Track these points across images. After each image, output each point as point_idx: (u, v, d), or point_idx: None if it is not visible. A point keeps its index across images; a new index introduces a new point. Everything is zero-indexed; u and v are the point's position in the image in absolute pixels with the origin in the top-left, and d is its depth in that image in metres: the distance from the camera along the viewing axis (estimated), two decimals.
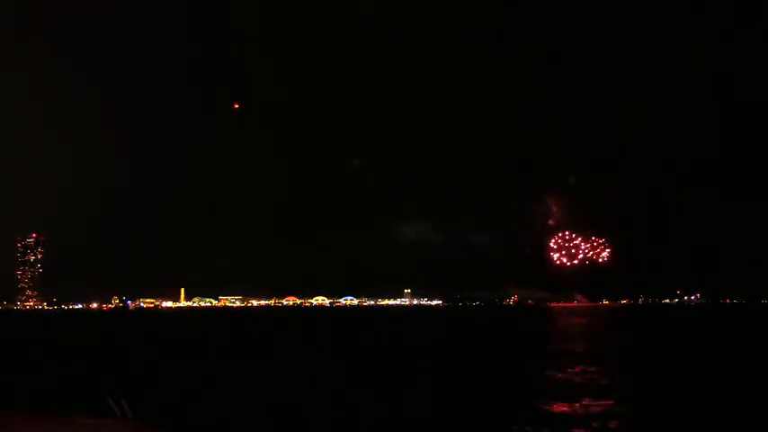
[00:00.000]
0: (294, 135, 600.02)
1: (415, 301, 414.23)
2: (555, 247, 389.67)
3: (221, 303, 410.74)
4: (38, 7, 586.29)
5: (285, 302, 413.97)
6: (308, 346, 64.87)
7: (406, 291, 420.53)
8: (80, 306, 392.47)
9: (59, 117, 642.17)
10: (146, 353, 57.39)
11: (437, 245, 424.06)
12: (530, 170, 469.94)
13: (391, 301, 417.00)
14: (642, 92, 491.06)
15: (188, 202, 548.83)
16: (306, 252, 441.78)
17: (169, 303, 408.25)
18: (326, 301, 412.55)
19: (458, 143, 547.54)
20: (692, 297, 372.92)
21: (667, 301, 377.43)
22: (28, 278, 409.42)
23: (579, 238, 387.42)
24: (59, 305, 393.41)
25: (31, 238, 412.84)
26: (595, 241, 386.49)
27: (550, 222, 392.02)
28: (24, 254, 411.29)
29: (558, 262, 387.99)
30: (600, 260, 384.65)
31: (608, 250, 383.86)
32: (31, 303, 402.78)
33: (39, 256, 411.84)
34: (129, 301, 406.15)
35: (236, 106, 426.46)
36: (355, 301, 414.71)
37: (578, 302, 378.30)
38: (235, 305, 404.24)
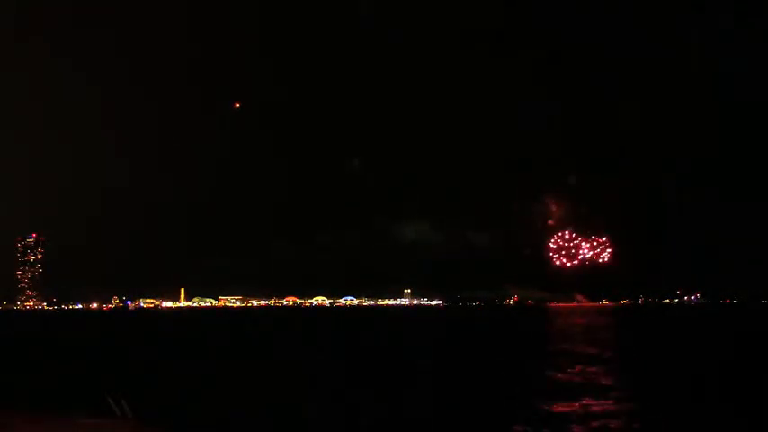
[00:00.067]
0: (294, 135, 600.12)
1: (415, 301, 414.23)
2: (554, 247, 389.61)
3: (221, 303, 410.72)
4: (38, 7, 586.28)
5: (285, 302, 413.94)
6: (308, 346, 64.87)
7: (406, 291, 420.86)
8: (80, 306, 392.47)
9: (59, 117, 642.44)
10: (146, 353, 57.39)
11: (437, 245, 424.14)
12: (530, 170, 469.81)
13: (391, 301, 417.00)
14: (642, 92, 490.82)
15: (188, 202, 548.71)
16: (306, 252, 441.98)
17: (169, 303, 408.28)
18: (326, 301, 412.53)
19: (458, 143, 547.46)
20: (692, 297, 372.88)
21: (667, 301, 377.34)
22: (28, 278, 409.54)
23: (579, 238, 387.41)
24: (59, 305, 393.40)
25: (31, 238, 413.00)
26: (595, 240, 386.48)
27: (550, 222, 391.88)
28: (24, 254, 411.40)
29: (557, 262, 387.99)
30: (600, 260, 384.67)
31: (608, 250, 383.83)
32: (31, 303, 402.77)
33: (39, 256, 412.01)
34: (129, 301, 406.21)
35: (237, 106, 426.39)
36: (355, 301, 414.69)
37: (578, 302, 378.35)
38: (235, 305, 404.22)
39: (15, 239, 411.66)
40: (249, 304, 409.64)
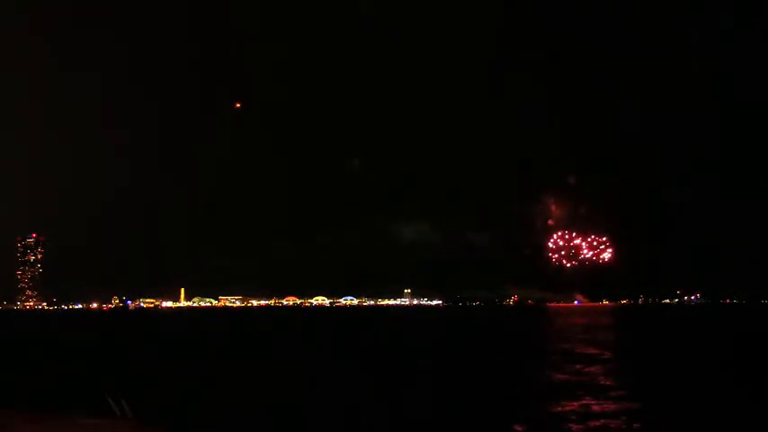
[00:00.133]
0: (294, 135, 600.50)
1: (415, 301, 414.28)
2: (554, 247, 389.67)
3: (221, 303, 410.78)
4: (38, 7, 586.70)
5: (285, 302, 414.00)
6: (308, 346, 64.88)
7: (406, 291, 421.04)
8: (80, 306, 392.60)
9: (59, 117, 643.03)
10: (146, 353, 57.40)
11: (437, 245, 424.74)
12: (530, 170, 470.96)
13: (391, 301, 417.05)
14: (642, 92, 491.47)
15: (188, 202, 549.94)
16: (306, 252, 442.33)
17: (169, 303, 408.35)
18: (326, 301, 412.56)
19: (458, 143, 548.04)
20: (692, 297, 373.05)
21: (667, 301, 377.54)
22: (28, 278, 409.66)
23: (579, 238, 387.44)
24: (59, 305, 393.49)
25: (31, 238, 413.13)
26: (595, 240, 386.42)
27: (550, 222, 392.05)
28: (24, 254, 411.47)
29: (556, 262, 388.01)
30: (600, 261, 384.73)
31: (609, 250, 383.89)
32: (31, 303, 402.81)
33: (39, 256, 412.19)
34: (129, 301, 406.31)
35: (238, 106, 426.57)
36: (355, 301, 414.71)
37: (578, 302, 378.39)
38: (235, 305, 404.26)
39: (15, 239, 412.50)
40: (249, 304, 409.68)
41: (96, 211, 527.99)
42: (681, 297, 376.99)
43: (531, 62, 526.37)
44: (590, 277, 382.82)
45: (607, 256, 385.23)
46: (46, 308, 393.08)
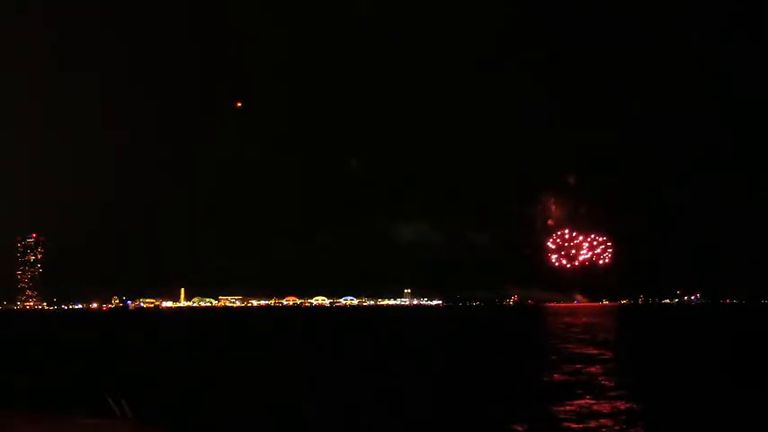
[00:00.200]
0: (294, 135, 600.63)
1: (415, 301, 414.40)
2: (553, 247, 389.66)
3: (221, 303, 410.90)
4: (38, 7, 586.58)
5: (285, 302, 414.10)
6: (308, 346, 64.88)
7: (406, 291, 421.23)
8: (80, 306, 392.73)
9: (59, 117, 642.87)
10: (146, 353, 57.40)
11: (437, 245, 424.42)
12: (530, 170, 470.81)
13: (391, 301, 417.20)
14: (642, 92, 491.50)
15: (188, 202, 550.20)
16: (306, 252, 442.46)
17: (169, 303, 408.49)
18: (326, 301, 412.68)
19: (458, 143, 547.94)
20: (692, 297, 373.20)
21: (667, 301, 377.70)
22: (28, 278, 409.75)
23: (580, 237, 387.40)
24: (59, 305, 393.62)
25: (31, 238, 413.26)
26: (595, 240, 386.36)
27: (550, 222, 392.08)
28: (24, 254, 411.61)
29: (556, 263, 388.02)
30: (600, 261, 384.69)
31: (609, 250, 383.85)
32: (31, 303, 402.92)
33: (39, 256, 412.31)
34: (129, 301, 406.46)
35: (239, 105, 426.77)
36: (355, 301, 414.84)
37: (578, 302, 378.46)
38: (235, 305, 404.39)
39: (15, 239, 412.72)
40: (249, 304, 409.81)
41: (96, 210, 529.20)
42: (681, 297, 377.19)
43: (531, 62, 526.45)
44: (590, 277, 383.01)
45: (607, 256, 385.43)
46: (46, 308, 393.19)
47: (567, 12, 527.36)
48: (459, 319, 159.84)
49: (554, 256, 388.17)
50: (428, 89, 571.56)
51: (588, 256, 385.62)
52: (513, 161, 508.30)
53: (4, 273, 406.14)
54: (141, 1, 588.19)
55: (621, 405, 26.59)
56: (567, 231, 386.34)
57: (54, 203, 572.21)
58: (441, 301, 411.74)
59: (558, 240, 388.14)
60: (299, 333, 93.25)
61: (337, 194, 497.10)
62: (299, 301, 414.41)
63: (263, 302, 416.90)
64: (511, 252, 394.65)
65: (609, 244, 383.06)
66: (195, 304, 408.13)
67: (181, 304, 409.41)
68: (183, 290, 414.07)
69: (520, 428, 22.80)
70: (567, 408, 25.99)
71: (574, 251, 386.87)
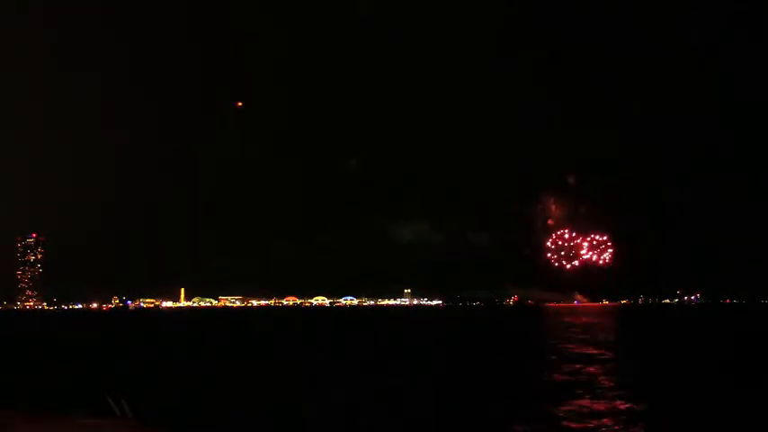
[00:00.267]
0: (294, 135, 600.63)
1: (415, 301, 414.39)
2: (553, 247, 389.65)
3: (221, 303, 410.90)
4: (38, 7, 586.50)
5: (285, 302, 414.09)
6: (308, 346, 64.89)
7: (406, 291, 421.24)
8: (80, 306, 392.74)
9: (59, 117, 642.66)
10: (146, 353, 57.41)
11: (437, 245, 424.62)
12: (530, 170, 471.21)
13: (391, 301, 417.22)
14: (642, 92, 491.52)
15: (188, 202, 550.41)
16: (306, 252, 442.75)
17: (169, 303, 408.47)
18: (326, 301, 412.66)
19: (458, 143, 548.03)
20: (692, 297, 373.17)
21: (667, 301, 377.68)
22: (28, 278, 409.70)
23: (579, 238, 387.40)
24: (59, 305, 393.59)
25: (31, 238, 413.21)
26: (595, 240, 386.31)
27: (550, 222, 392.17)
28: (24, 254, 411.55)
29: (555, 263, 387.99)
30: (601, 261, 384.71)
31: (609, 250, 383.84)
32: (31, 303, 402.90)
33: (39, 256, 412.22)
34: (129, 301, 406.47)
35: (240, 105, 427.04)
36: (355, 301, 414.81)
37: (578, 302, 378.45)
38: (235, 305, 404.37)
39: (15, 239, 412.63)
40: (249, 304, 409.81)
41: (96, 210, 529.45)
42: (681, 297, 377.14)
43: (531, 62, 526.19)
44: (590, 277, 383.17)
45: (607, 256, 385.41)
46: (46, 308, 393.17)
47: (567, 12, 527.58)
48: (459, 319, 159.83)
49: (554, 257, 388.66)
50: (428, 89, 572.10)
51: (588, 256, 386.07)
52: (513, 161, 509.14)
53: (4, 273, 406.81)
54: (141, 1, 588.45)
55: (621, 405, 26.60)
56: (566, 231, 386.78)
57: (54, 203, 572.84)
58: (441, 301, 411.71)
59: (558, 240, 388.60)
60: (299, 333, 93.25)
61: (337, 194, 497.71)
62: (299, 301, 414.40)
63: (263, 302, 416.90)
64: (511, 252, 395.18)
65: (609, 244, 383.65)
66: (195, 304, 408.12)
67: (181, 304, 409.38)
68: (183, 290, 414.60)
69: (520, 428, 22.80)
70: (567, 408, 26.00)
71: (574, 251, 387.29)
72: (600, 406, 26.35)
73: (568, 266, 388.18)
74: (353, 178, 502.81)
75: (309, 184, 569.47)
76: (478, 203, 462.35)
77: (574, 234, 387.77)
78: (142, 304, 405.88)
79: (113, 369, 41.44)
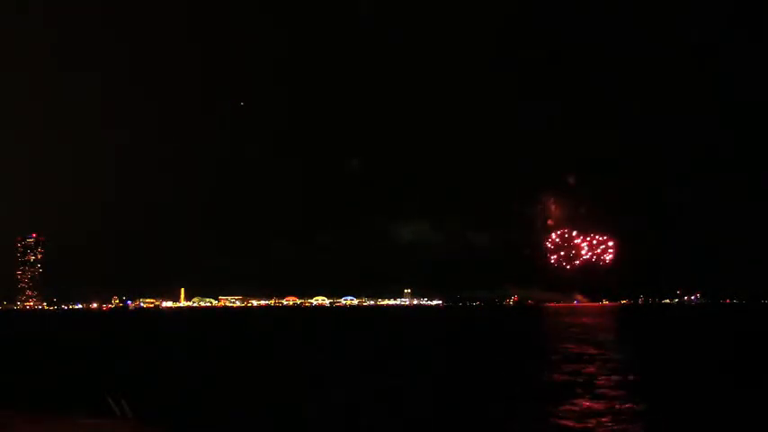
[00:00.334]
0: (294, 135, 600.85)
1: (415, 301, 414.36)
2: (552, 247, 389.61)
3: (221, 303, 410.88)
4: (38, 7, 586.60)
5: (285, 302, 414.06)
6: (308, 346, 64.89)
7: (406, 291, 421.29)
8: (80, 306, 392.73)
9: (59, 117, 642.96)
10: (146, 353, 57.41)
11: (437, 245, 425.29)
12: (530, 170, 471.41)
13: (391, 301, 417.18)
14: (642, 92, 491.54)
15: (188, 202, 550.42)
16: (306, 252, 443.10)
17: (169, 303, 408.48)
18: (326, 301, 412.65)
19: (458, 143, 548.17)
20: (692, 297, 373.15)
21: (667, 301, 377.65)
22: (28, 278, 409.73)
23: (579, 238, 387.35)
24: (59, 305, 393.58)
25: (31, 238, 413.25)
26: (595, 239, 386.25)
27: (550, 222, 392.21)
28: (24, 254, 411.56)
29: (555, 263, 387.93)
30: (600, 261, 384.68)
31: (609, 250, 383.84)
32: (31, 303, 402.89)
33: (39, 256, 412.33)
34: (129, 301, 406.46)
35: (242, 104, 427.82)
36: (355, 301, 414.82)
37: (578, 302, 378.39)
38: (235, 305, 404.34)
39: (15, 239, 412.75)
40: (249, 304, 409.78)
41: (96, 210, 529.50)
42: (681, 297, 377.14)
43: (531, 62, 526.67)
44: (590, 277, 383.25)
45: (607, 256, 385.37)
46: (46, 308, 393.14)
47: (567, 12, 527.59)
48: (459, 319, 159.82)
49: (554, 257, 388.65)
50: (428, 89, 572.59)
51: (588, 256, 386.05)
52: (513, 161, 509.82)
53: (4, 273, 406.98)
54: (141, 1, 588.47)
55: (621, 405, 26.60)
56: (567, 231, 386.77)
57: (54, 203, 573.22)
58: (441, 301, 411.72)
59: (558, 240, 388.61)
60: (299, 333, 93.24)
61: (337, 194, 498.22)
62: (299, 301, 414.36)
63: (263, 302, 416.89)
64: (511, 252, 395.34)
65: (609, 244, 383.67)
66: (195, 304, 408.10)
67: (181, 304, 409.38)
68: (183, 290, 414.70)
69: (520, 428, 22.80)
70: (567, 408, 26.00)
71: (574, 251, 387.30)
72: (600, 406, 26.35)
73: (568, 266, 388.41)
74: (353, 178, 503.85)
75: (309, 184, 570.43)
76: (478, 203, 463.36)
77: (574, 234, 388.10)
78: (142, 304, 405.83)
79: (113, 369, 41.44)
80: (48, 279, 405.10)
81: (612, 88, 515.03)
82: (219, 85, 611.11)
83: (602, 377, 35.38)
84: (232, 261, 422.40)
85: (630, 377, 35.77)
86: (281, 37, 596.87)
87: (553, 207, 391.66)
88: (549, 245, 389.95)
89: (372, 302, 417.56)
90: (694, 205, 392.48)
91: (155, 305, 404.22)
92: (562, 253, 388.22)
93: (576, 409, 25.86)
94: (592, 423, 23.20)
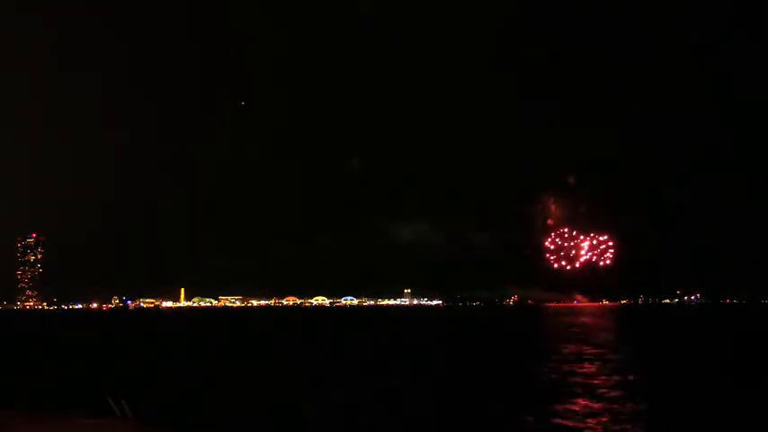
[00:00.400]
0: (294, 135, 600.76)
1: (415, 301, 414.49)
2: (552, 247, 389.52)
3: (221, 303, 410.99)
4: (38, 7, 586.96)
5: (285, 302, 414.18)
6: (308, 346, 64.89)
7: (406, 291, 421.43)
8: (80, 306, 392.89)
9: (59, 117, 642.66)
10: (146, 353, 57.41)
11: (437, 245, 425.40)
12: (530, 170, 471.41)
13: (391, 301, 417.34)
14: (642, 92, 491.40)
15: (188, 202, 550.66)
16: (306, 252, 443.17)
17: (169, 303, 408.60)
18: (326, 301, 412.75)
19: (458, 143, 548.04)
20: (692, 297, 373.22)
21: (667, 301, 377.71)
22: (28, 278, 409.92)
23: (580, 237, 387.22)
24: (59, 305, 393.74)
25: (31, 238, 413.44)
26: (595, 239, 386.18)
27: (550, 222, 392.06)
28: (24, 254, 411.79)
29: (555, 263, 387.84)
30: (600, 261, 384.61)
31: (609, 250, 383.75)
32: (31, 303, 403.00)
33: (39, 256, 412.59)
34: (129, 301, 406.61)
35: (242, 103, 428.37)
36: (355, 301, 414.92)
37: (578, 302, 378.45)
38: (235, 305, 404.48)
39: (15, 239, 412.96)
40: (249, 304, 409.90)
41: (96, 210, 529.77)
42: (681, 297, 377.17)
43: (531, 62, 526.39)
44: (590, 277, 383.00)
45: (607, 256, 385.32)
46: (46, 308, 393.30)
47: (567, 12, 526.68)
48: (459, 319, 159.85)
49: (554, 257, 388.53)
50: (428, 89, 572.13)
51: (588, 256, 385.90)
52: (513, 161, 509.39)
53: (4, 273, 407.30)
54: (141, 1, 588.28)
55: (621, 405, 26.60)
56: (567, 231, 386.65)
57: (54, 203, 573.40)
58: (441, 301, 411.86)
59: (558, 240, 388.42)
60: (299, 333, 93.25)
61: (337, 194, 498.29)
62: (299, 301, 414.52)
63: (263, 302, 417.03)
64: (511, 252, 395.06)
65: (609, 244, 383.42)
66: (195, 304, 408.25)
67: (181, 304, 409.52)
68: (183, 290, 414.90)
69: (520, 428, 22.80)
70: (567, 408, 26.01)
71: (574, 251, 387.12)
72: (600, 406, 26.36)
73: (568, 266, 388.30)
74: (353, 178, 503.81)
75: (309, 184, 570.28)
76: (478, 203, 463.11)
77: (574, 234, 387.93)
78: (142, 304, 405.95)
79: (113, 369, 41.44)
80: (48, 279, 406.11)
81: (612, 88, 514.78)
82: (219, 85, 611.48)
83: (602, 377, 35.38)
84: (232, 261, 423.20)
85: (630, 377, 35.78)
86: (281, 37, 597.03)
87: (553, 207, 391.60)
88: (549, 245, 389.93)
89: (372, 302, 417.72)
90: (694, 205, 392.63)
91: (155, 305, 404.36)
92: (562, 253, 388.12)
93: (576, 409, 25.86)
94: (593, 423, 23.20)
